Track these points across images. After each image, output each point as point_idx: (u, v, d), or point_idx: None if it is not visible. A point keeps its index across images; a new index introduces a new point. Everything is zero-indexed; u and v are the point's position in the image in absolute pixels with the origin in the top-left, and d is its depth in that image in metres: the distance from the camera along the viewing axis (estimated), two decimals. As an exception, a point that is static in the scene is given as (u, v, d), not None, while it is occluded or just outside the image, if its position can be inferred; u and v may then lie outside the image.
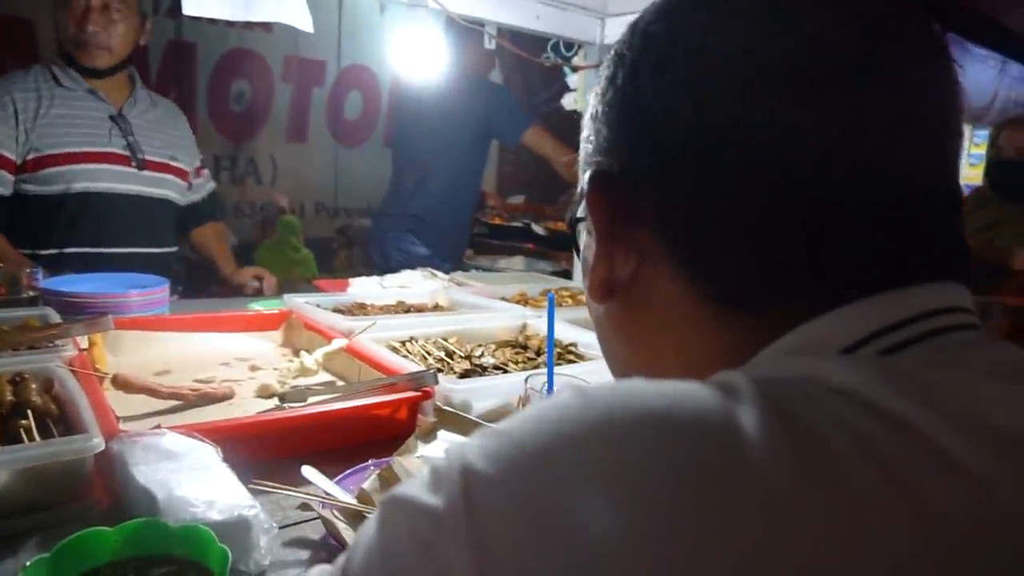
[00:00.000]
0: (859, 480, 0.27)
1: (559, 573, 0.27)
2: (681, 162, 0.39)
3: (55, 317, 1.23)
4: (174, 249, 1.94)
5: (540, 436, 0.31)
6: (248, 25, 3.75)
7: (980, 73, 3.79)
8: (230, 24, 3.72)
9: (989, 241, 2.36)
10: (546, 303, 1.69)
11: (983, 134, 4.75)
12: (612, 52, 0.45)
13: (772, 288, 0.37)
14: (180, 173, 1.92)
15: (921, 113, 0.37)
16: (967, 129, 4.48)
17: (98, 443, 0.78)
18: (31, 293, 1.32)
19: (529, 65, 2.16)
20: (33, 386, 0.92)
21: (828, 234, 0.36)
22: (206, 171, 2.07)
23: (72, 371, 0.97)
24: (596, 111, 0.45)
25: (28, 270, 1.34)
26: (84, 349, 1.14)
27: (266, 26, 3.81)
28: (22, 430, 0.84)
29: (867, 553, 0.26)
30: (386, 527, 0.34)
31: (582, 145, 0.48)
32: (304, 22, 1.67)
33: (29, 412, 0.87)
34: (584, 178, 0.44)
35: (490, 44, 1.94)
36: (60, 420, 0.89)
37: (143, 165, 1.80)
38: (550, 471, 0.30)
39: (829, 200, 0.36)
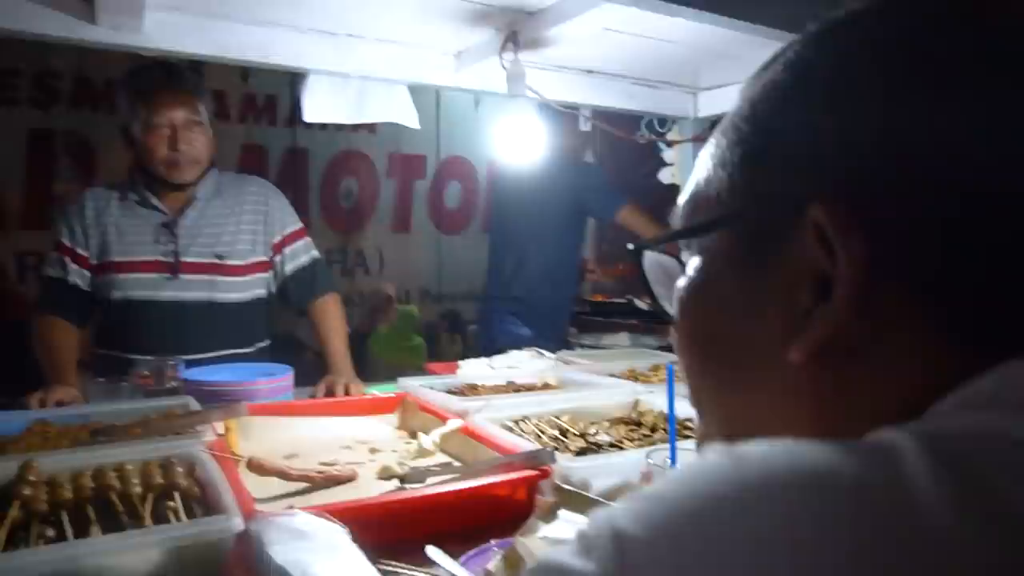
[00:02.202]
0: None
1: None
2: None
3: (195, 405, 1.32)
4: (232, 351, 1.83)
5: (693, 498, 0.30)
6: (355, 128, 4.05)
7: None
8: (339, 128, 4.04)
9: None
10: (657, 379, 1.67)
11: None
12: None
13: (975, 335, 0.35)
14: (231, 270, 1.83)
15: None
16: None
17: (238, 523, 0.82)
18: (173, 383, 1.43)
19: (621, 142, 2.21)
20: (179, 469, 0.98)
21: (1018, 277, 0.34)
22: (304, 239, 1.95)
23: (212, 455, 1.04)
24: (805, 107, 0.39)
25: (171, 362, 1.45)
26: (220, 434, 1.21)
27: (371, 128, 4.11)
28: (170, 511, 0.90)
29: None
30: None
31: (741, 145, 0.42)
32: (411, 119, 1.79)
33: (176, 494, 0.93)
34: (821, 211, 0.36)
35: (585, 126, 2.00)
36: (202, 501, 0.94)
37: (179, 269, 1.77)
38: (708, 534, 0.29)
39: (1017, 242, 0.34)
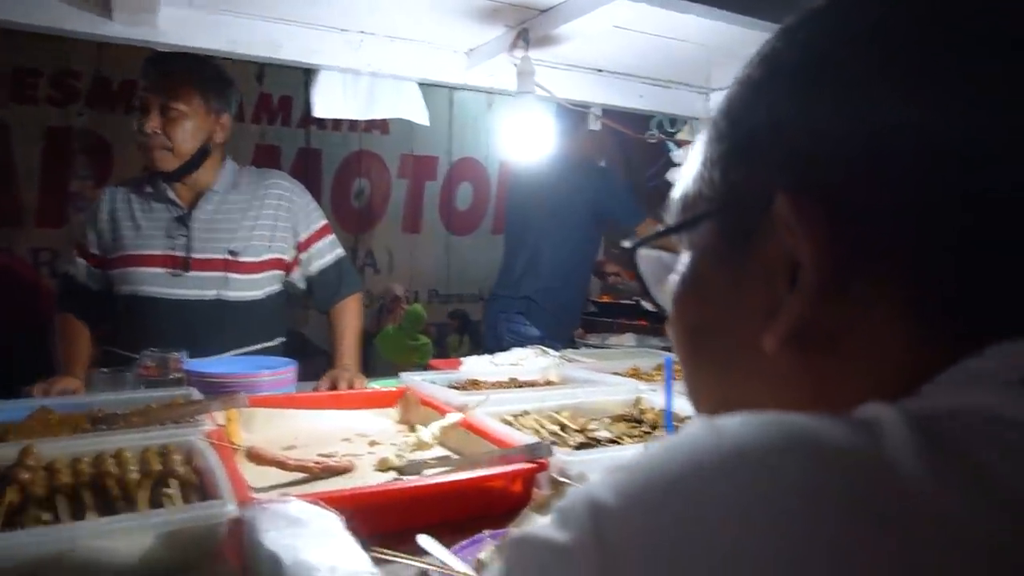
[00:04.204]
0: None
1: None
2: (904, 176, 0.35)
3: (197, 396, 1.32)
4: (243, 350, 1.79)
5: (671, 468, 0.30)
6: (368, 129, 4.07)
7: None
8: (352, 129, 4.06)
9: None
10: (660, 378, 1.66)
11: None
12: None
13: (954, 318, 0.35)
14: (244, 267, 1.78)
15: None
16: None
17: (232, 509, 0.82)
18: (177, 374, 1.43)
19: (629, 142, 2.21)
20: (177, 457, 0.98)
21: (1017, 261, 0.34)
22: (329, 236, 1.92)
23: (210, 444, 1.04)
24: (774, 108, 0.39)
25: (174, 353, 1.45)
26: (221, 425, 1.22)
27: (384, 129, 4.12)
28: (166, 498, 0.90)
29: None
30: (513, 569, 0.33)
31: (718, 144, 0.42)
32: (421, 116, 1.80)
33: (173, 481, 0.93)
34: (784, 199, 0.37)
35: (595, 125, 2.00)
36: (199, 489, 0.95)
37: (190, 266, 1.73)
38: (685, 501, 0.28)
39: (1008, 223, 0.34)
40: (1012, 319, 0.33)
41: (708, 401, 0.46)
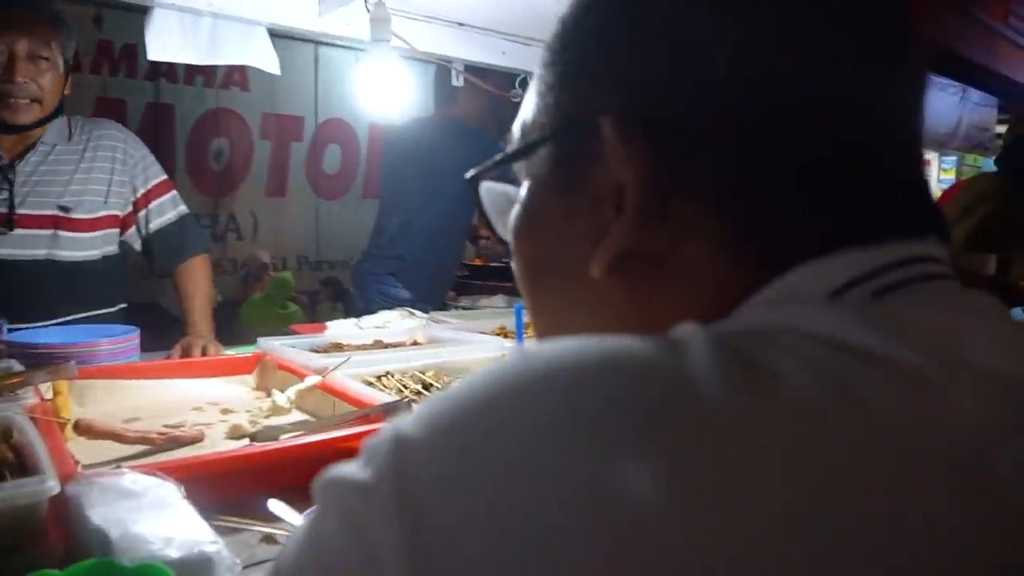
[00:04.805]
0: (814, 401, 0.27)
1: (508, 543, 0.25)
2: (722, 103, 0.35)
3: (19, 368, 1.19)
4: (76, 316, 1.64)
5: (476, 393, 0.29)
6: (225, 85, 3.81)
7: (942, 101, 3.88)
8: (208, 85, 3.78)
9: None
10: (527, 335, 1.68)
11: (951, 160, 4.86)
12: None
13: (767, 240, 0.36)
14: (77, 225, 1.63)
15: (907, 63, 0.37)
16: (934, 156, 4.57)
17: (52, 486, 0.74)
18: (-5, 346, 1.29)
19: (499, 101, 2.20)
20: (-11, 435, 0.88)
21: (821, 184, 0.35)
22: (171, 193, 1.78)
23: (32, 419, 0.94)
24: (598, 28, 0.39)
25: (-8, 323, 1.31)
26: (49, 399, 1.11)
27: (243, 85, 3.87)
28: (-26, 478, 0.81)
29: (824, 468, 0.25)
30: (318, 512, 0.32)
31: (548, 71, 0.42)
32: (271, 64, 1.68)
33: (-17, 460, 0.83)
34: (608, 122, 0.36)
35: (457, 81, 1.96)
36: (17, 467, 0.85)
37: (14, 223, 1.56)
38: (489, 423, 0.28)
39: (826, 149, 0.35)
40: (822, 239, 0.34)
41: (550, 336, 0.45)
